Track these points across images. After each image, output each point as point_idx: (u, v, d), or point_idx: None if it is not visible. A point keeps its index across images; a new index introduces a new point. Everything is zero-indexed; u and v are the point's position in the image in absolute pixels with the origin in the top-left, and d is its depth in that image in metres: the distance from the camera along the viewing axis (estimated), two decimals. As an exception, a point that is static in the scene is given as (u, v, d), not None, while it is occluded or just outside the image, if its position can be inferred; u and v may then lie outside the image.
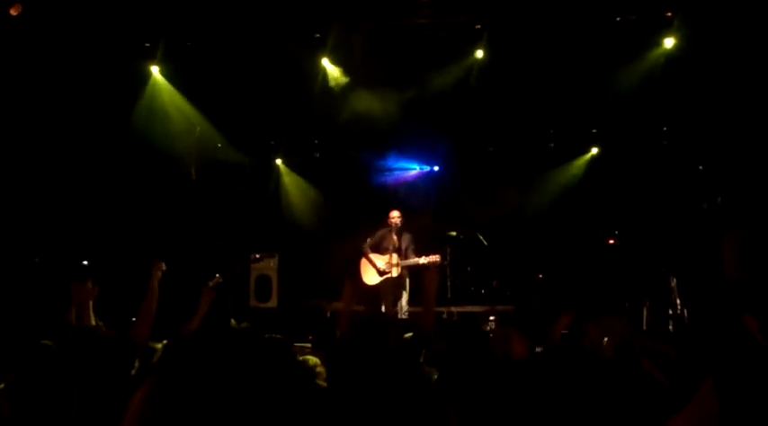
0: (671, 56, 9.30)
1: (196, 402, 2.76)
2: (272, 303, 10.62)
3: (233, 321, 5.29)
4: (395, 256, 9.26)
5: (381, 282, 9.39)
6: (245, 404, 2.84)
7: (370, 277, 9.47)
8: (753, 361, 2.27)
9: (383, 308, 9.15)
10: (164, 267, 4.59)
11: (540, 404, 3.13)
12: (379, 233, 9.51)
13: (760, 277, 7.46)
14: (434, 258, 9.21)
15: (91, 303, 4.66)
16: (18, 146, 9.35)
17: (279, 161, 12.53)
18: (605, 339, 4.24)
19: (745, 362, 2.28)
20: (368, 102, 10.45)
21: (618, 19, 8.95)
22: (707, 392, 2.21)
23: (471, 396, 3.25)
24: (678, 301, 8.74)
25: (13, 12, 8.05)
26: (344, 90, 10.31)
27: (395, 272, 9.26)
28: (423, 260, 9.19)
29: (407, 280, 9.37)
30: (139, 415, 2.73)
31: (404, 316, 9.03)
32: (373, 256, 9.44)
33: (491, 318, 9.44)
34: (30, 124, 9.43)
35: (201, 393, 2.79)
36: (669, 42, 9.21)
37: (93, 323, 4.65)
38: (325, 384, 3.61)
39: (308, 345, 6.70)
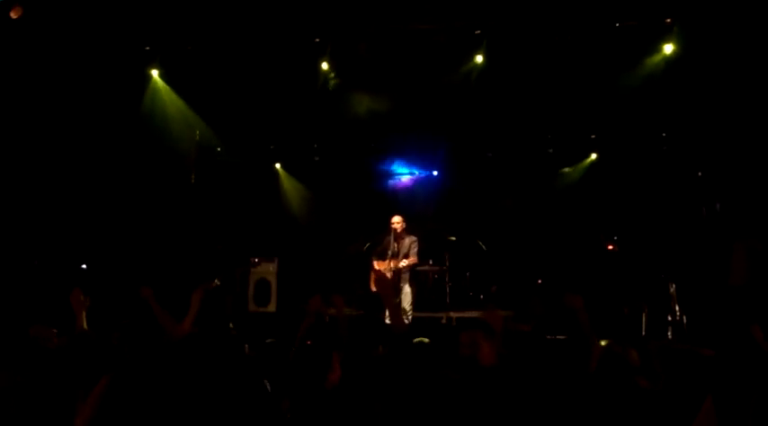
0: (670, 62, 9.31)
1: (150, 400, 2.77)
2: (272, 307, 10.60)
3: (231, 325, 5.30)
4: (392, 261, 9.27)
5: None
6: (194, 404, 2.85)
7: (373, 284, 9.52)
8: (757, 372, 2.26)
9: (386, 313, 9.15)
10: (150, 290, 4.67)
11: (510, 413, 3.12)
12: (384, 240, 9.54)
13: (764, 285, 7.46)
14: (411, 260, 9.27)
15: (84, 312, 4.69)
16: (18, 150, 9.35)
17: (278, 165, 12.54)
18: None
19: (748, 373, 2.28)
20: (367, 107, 10.47)
21: (617, 25, 8.96)
22: (707, 411, 2.20)
23: (441, 404, 3.24)
24: (677, 307, 8.73)
25: (13, 15, 8.06)
26: (344, 94, 10.34)
27: (388, 276, 9.25)
28: (402, 263, 9.24)
29: (408, 284, 9.39)
30: (93, 412, 2.75)
31: (406, 321, 9.03)
32: (376, 263, 9.49)
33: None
34: (29, 128, 9.43)
35: (156, 392, 2.80)
36: (668, 48, 9.22)
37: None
38: None
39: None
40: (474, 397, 3.23)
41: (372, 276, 9.59)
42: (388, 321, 8.88)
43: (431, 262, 10.67)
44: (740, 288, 7.79)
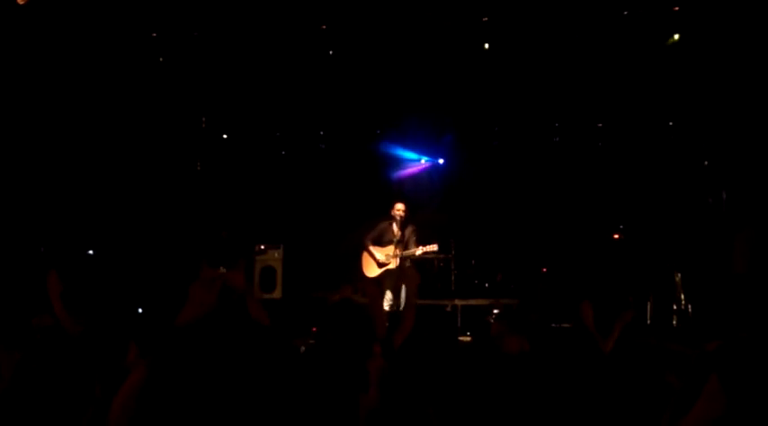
0: (677, 50, 9.28)
1: (188, 390, 2.75)
2: (277, 294, 10.65)
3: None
4: (396, 248, 9.25)
5: (381, 274, 9.36)
6: (238, 394, 2.84)
7: (371, 269, 9.45)
8: (759, 354, 2.27)
9: (385, 300, 9.15)
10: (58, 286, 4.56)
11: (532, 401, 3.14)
12: (381, 225, 9.46)
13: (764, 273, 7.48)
14: (432, 247, 9.23)
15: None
16: (24, 137, 9.38)
17: (284, 152, 12.53)
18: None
19: (751, 355, 2.28)
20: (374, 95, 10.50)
21: (625, 13, 8.93)
22: (713, 389, 2.21)
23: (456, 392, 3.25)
24: (682, 296, 8.74)
25: (20, 1, 8.07)
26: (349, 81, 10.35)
27: (394, 264, 9.24)
28: (420, 250, 9.20)
29: (412, 272, 9.37)
30: (128, 401, 2.72)
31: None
32: (374, 248, 9.41)
33: (495, 311, 9.46)
34: (36, 115, 9.45)
35: (195, 381, 2.78)
36: (676, 37, 9.18)
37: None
38: None
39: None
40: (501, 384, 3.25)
41: (365, 260, 9.54)
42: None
43: (436, 250, 10.70)
44: (743, 275, 7.82)
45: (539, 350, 4.04)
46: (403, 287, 9.14)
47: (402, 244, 9.27)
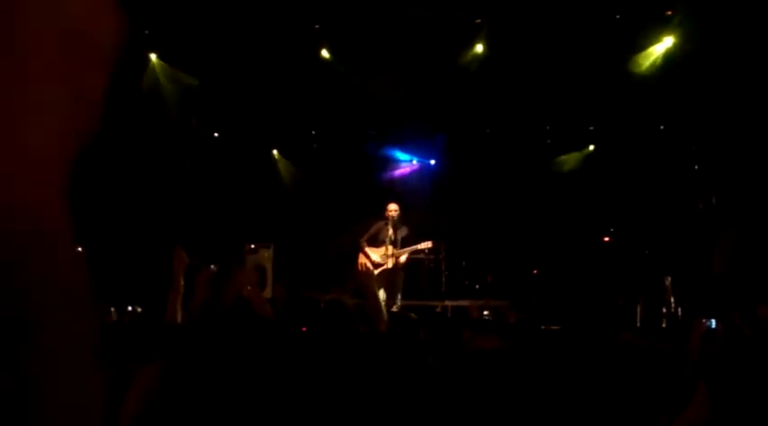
0: (669, 54, 9.31)
1: (204, 388, 2.72)
2: (267, 293, 10.60)
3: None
4: (390, 248, 9.27)
5: (377, 274, 9.38)
6: (251, 394, 2.81)
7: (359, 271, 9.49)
8: (743, 355, 2.29)
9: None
10: (186, 258, 4.58)
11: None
12: (375, 226, 9.51)
13: (742, 273, 7.51)
14: (426, 244, 9.27)
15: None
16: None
17: (275, 151, 12.50)
18: None
19: (735, 358, 2.31)
20: (366, 95, 10.45)
21: (617, 17, 8.94)
22: (701, 394, 2.23)
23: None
24: (672, 300, 8.75)
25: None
26: (343, 81, 10.31)
27: (389, 264, 9.26)
28: (409, 249, 9.25)
29: (401, 273, 9.42)
30: (142, 398, 2.69)
31: (396, 309, 9.03)
32: (369, 250, 9.44)
33: (485, 313, 9.46)
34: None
35: (210, 379, 2.75)
36: (668, 41, 9.21)
37: None
38: None
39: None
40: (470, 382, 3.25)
41: (361, 263, 9.55)
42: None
43: (426, 251, 10.69)
44: (721, 276, 7.85)
45: (518, 349, 4.04)
46: (399, 286, 9.23)
47: (396, 244, 9.31)
